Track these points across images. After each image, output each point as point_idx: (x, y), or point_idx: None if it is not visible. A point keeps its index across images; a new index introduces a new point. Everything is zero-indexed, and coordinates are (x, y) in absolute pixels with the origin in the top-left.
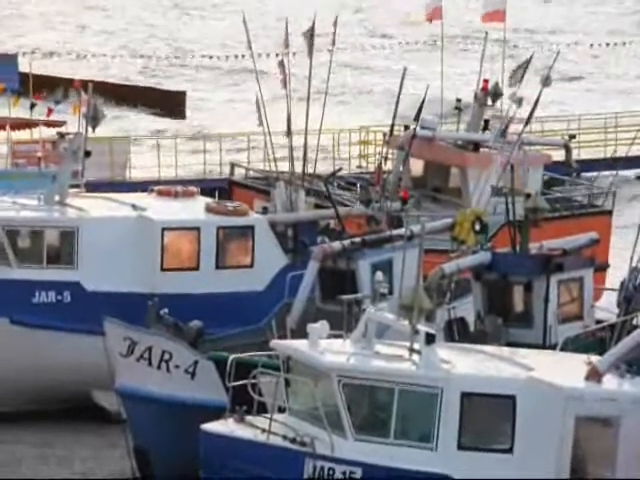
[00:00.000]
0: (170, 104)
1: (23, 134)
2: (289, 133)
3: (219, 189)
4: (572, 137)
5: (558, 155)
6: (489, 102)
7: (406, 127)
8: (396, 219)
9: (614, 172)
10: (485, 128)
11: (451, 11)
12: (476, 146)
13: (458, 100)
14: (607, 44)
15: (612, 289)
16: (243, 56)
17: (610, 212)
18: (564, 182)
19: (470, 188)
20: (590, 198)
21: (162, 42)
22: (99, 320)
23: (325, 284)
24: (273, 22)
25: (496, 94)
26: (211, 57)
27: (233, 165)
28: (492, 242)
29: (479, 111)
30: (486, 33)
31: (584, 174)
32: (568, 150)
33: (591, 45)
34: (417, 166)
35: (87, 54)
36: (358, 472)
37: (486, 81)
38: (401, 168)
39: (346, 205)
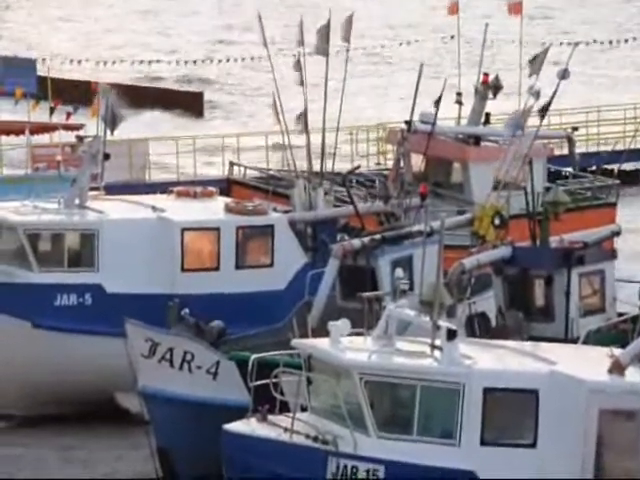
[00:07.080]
0: (188, 105)
1: (42, 138)
2: (306, 131)
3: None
4: (575, 129)
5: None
6: (490, 95)
7: (407, 122)
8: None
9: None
10: (486, 122)
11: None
12: (477, 140)
13: (458, 94)
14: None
15: (634, 281)
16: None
17: (614, 204)
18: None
19: (472, 182)
20: (594, 191)
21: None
22: (120, 322)
23: (345, 282)
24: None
25: (497, 87)
26: (234, 60)
27: (232, 164)
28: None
29: (480, 104)
30: (486, 25)
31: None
32: (571, 142)
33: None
34: (418, 161)
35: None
36: (381, 470)
37: (486, 74)
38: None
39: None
